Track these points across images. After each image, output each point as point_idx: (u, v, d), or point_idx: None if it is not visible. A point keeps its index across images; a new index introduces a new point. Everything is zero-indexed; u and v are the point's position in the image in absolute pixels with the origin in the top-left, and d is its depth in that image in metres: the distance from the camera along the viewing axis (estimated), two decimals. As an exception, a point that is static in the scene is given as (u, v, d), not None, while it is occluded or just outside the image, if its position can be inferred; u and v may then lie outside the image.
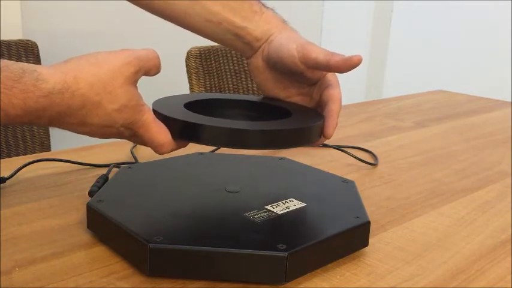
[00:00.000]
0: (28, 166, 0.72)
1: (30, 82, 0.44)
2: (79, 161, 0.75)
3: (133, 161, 0.78)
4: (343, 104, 0.62)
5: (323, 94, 0.59)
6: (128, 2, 0.65)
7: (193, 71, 1.38)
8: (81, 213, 0.59)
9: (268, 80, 0.63)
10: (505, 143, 1.00)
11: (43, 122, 0.47)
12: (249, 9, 0.61)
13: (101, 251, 0.52)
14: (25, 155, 1.19)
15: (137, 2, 0.65)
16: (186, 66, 1.39)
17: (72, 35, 1.77)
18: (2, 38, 1.29)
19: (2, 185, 0.67)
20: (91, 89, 0.47)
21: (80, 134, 0.51)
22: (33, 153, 1.24)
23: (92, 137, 0.52)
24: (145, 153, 0.80)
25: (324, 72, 0.59)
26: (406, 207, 0.67)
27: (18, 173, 0.70)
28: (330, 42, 2.59)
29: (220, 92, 1.44)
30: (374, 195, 0.70)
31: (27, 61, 1.27)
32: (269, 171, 0.67)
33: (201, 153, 0.72)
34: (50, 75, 0.45)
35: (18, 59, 1.25)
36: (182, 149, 0.56)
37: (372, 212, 0.64)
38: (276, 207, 0.55)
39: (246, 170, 0.67)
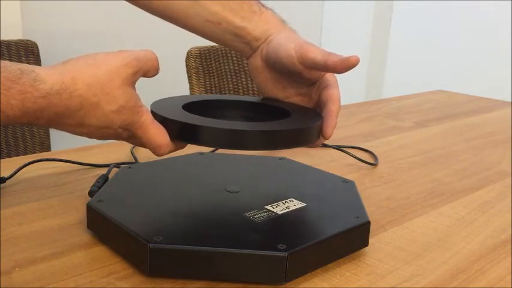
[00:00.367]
0: (28, 166, 0.72)
1: (28, 83, 0.44)
2: (79, 161, 0.75)
3: (133, 161, 0.78)
4: (342, 104, 0.62)
5: (322, 94, 0.59)
6: (128, 2, 0.65)
7: (193, 71, 1.38)
8: (81, 213, 0.59)
9: (268, 80, 0.63)
10: (505, 143, 1.00)
11: (41, 122, 0.47)
12: (248, 10, 0.61)
13: (101, 251, 0.52)
14: (25, 155, 1.19)
15: (136, 2, 0.64)
16: (186, 66, 1.39)
17: (72, 35, 1.77)
18: (2, 38, 1.29)
19: (2, 185, 0.67)
20: (89, 90, 0.47)
21: (78, 135, 0.51)
22: (33, 153, 1.24)
23: (89, 138, 0.52)
24: (145, 153, 0.80)
25: (323, 73, 0.59)
26: (406, 207, 0.67)
27: (18, 173, 0.70)
28: (330, 42, 2.59)
29: (220, 92, 1.44)
30: (374, 195, 0.70)
31: (27, 61, 1.27)
32: (269, 171, 0.67)
33: (201, 153, 0.72)
34: (48, 76, 0.45)
35: (18, 59, 1.25)
36: (182, 149, 0.56)
37: (372, 212, 0.64)
38: (276, 207, 0.55)
39: (246, 170, 0.67)
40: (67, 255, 0.51)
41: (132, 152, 0.80)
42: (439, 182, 0.76)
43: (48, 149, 1.29)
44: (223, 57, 1.46)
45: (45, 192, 0.66)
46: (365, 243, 0.54)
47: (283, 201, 0.57)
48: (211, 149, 0.81)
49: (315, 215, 0.55)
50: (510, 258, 0.55)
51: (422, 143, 0.98)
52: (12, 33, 1.59)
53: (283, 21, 0.63)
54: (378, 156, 0.86)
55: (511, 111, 1.31)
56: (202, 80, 1.39)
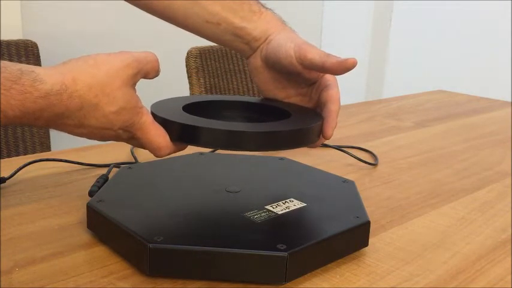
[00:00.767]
0: (28, 166, 0.72)
1: (28, 83, 0.44)
2: (79, 161, 0.75)
3: (134, 161, 0.78)
4: (342, 104, 0.62)
5: (321, 94, 0.59)
6: (127, 3, 0.65)
7: (193, 71, 1.38)
8: (81, 213, 0.59)
9: (267, 80, 0.63)
10: (505, 143, 1.00)
11: (41, 123, 0.47)
12: (248, 10, 0.61)
13: (101, 251, 0.52)
14: (25, 155, 1.19)
15: (136, 3, 0.64)
16: (186, 66, 1.39)
17: (72, 35, 1.77)
18: (2, 38, 1.29)
19: (2, 185, 0.67)
20: (89, 90, 0.47)
21: (77, 136, 0.51)
22: (33, 153, 1.24)
23: (89, 139, 0.52)
24: (145, 154, 0.80)
25: (322, 73, 0.59)
26: (406, 207, 0.67)
27: (18, 173, 0.70)
28: (330, 43, 2.59)
29: (220, 92, 1.44)
30: (374, 195, 0.70)
31: (27, 61, 1.27)
32: (269, 171, 0.67)
33: (201, 153, 0.72)
34: (48, 76, 0.45)
35: (18, 59, 1.25)
36: (182, 150, 0.56)
37: (372, 212, 0.64)
38: (276, 207, 0.55)
39: (246, 170, 0.67)
40: (67, 255, 0.51)
41: (132, 152, 0.80)
42: (439, 182, 0.76)
43: (48, 149, 1.29)
44: (223, 57, 1.46)
45: (45, 192, 0.66)
46: (365, 243, 0.54)
47: (283, 201, 0.57)
48: (211, 149, 0.81)
49: (315, 215, 0.55)
50: (510, 258, 0.55)
51: (422, 143, 0.98)
52: (12, 33, 1.59)
53: (283, 22, 0.63)
54: (378, 156, 0.86)
55: (511, 111, 1.31)
56: (202, 80, 1.39)
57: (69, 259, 0.50)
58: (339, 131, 1.00)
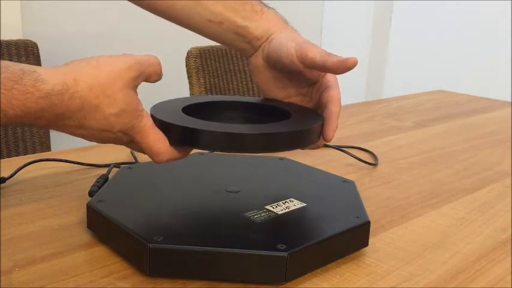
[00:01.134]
0: (28, 166, 0.72)
1: (29, 83, 0.44)
2: (79, 161, 0.75)
3: (134, 161, 0.78)
4: (342, 104, 0.62)
5: (322, 95, 0.59)
6: (128, 3, 0.65)
7: (193, 71, 1.38)
8: (81, 213, 0.59)
9: (268, 80, 0.63)
10: (505, 143, 1.00)
11: (42, 123, 0.47)
12: (250, 9, 0.61)
13: (100, 251, 0.52)
14: (25, 155, 1.19)
15: (140, 3, 0.65)
16: (186, 66, 1.39)
17: (72, 35, 1.77)
18: (2, 38, 1.29)
19: (2, 185, 0.67)
20: (90, 91, 0.47)
21: (78, 137, 0.50)
22: (33, 153, 1.24)
23: (89, 140, 0.51)
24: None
25: (323, 73, 0.60)
26: (406, 207, 0.67)
27: (18, 173, 0.70)
28: (330, 42, 2.59)
29: (220, 92, 1.44)
30: (374, 195, 0.70)
31: (27, 61, 1.27)
32: (269, 171, 0.67)
33: (201, 153, 0.72)
34: (49, 77, 0.45)
35: (18, 59, 1.25)
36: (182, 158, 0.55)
37: (372, 212, 0.64)
38: (276, 207, 0.55)
39: (246, 170, 0.67)
40: (67, 255, 0.51)
41: (132, 152, 0.80)
42: (439, 182, 0.76)
43: (48, 149, 1.29)
44: (223, 57, 1.46)
45: (45, 192, 0.66)
46: (365, 243, 0.54)
47: (283, 201, 0.57)
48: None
49: (315, 215, 0.55)
50: (510, 258, 0.55)
51: (422, 143, 0.98)
52: (12, 33, 1.59)
53: (284, 21, 0.63)
54: (378, 156, 0.86)
55: (511, 111, 1.31)
56: (202, 80, 1.39)
57: (69, 259, 0.50)
58: (339, 131, 1.00)
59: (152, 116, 0.53)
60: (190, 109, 0.57)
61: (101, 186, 0.61)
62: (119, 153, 0.81)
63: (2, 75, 0.43)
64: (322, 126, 0.56)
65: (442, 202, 0.69)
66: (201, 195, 0.58)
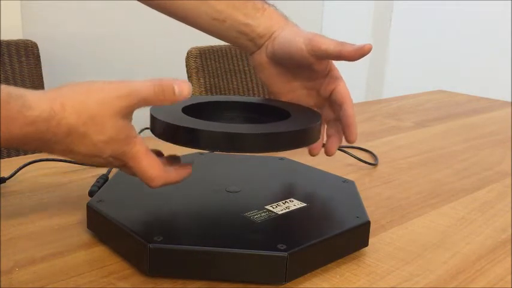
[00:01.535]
0: (28, 166, 0.72)
1: (15, 109, 0.43)
2: (79, 161, 0.75)
3: (133, 161, 0.77)
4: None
5: (333, 92, 0.62)
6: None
7: (193, 71, 1.38)
8: (81, 213, 0.59)
9: (272, 75, 0.64)
10: (505, 143, 1.00)
11: (31, 147, 0.46)
12: (251, 7, 0.62)
13: (100, 251, 0.52)
14: (25, 155, 1.19)
15: (149, 3, 0.65)
16: (186, 66, 1.39)
17: (72, 35, 1.77)
18: (2, 38, 1.29)
19: (2, 185, 0.67)
20: (78, 118, 0.45)
21: (69, 159, 0.50)
22: (33, 153, 1.24)
23: (80, 163, 0.50)
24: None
25: (329, 65, 0.62)
26: (406, 207, 0.67)
27: (18, 173, 0.70)
28: (330, 42, 2.59)
29: (220, 92, 1.44)
30: (374, 195, 0.70)
31: (27, 61, 1.27)
32: (269, 171, 0.67)
33: (201, 153, 0.72)
34: (36, 102, 0.44)
35: (18, 59, 1.25)
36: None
37: (372, 212, 0.64)
38: (276, 207, 0.55)
39: (246, 170, 0.67)
40: (67, 255, 0.51)
41: (132, 152, 0.80)
42: (439, 182, 0.76)
43: (48, 149, 1.28)
44: (223, 57, 1.46)
45: (45, 192, 0.66)
46: (365, 243, 0.54)
47: (283, 201, 0.57)
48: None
49: (315, 215, 0.55)
50: (510, 258, 0.55)
51: (422, 143, 0.98)
52: (12, 33, 1.59)
53: (286, 18, 0.65)
54: (378, 156, 0.86)
55: (511, 111, 1.31)
56: (202, 80, 1.39)
57: (69, 259, 0.50)
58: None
59: (151, 116, 0.53)
60: (190, 109, 0.57)
61: (101, 186, 0.61)
62: (119, 153, 0.81)
63: None
64: (321, 125, 0.56)
65: (442, 202, 0.69)
66: (201, 195, 0.58)
